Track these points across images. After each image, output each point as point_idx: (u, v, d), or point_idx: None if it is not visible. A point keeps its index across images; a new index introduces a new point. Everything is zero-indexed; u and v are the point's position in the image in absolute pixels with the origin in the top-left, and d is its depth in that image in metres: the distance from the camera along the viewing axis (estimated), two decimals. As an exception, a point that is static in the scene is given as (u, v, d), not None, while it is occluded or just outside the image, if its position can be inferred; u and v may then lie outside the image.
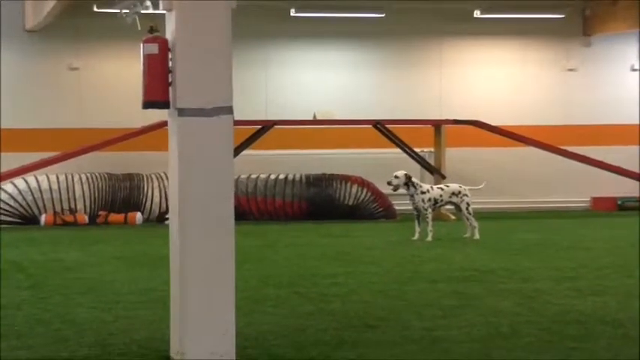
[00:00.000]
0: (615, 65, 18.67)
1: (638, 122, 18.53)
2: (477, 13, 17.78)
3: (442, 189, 13.97)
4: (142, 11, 11.59)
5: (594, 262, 11.08)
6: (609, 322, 7.81)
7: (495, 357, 6.72)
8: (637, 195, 18.25)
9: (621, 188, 18.08)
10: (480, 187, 14.43)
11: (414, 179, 13.71)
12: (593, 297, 8.94)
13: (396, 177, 13.58)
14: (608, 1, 17.56)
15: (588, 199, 18.56)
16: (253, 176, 16.63)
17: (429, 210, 13.55)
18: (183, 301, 6.35)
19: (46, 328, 7.61)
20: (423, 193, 13.59)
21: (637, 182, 17.61)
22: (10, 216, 15.91)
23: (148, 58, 6.37)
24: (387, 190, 15.70)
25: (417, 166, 17.05)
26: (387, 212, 16.71)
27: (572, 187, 18.27)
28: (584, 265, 10.95)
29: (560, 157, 16.95)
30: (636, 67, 18.69)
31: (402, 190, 13.70)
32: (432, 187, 14.01)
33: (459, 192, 13.86)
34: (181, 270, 6.37)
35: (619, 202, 18.45)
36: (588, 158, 16.90)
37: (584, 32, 18.52)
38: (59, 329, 7.59)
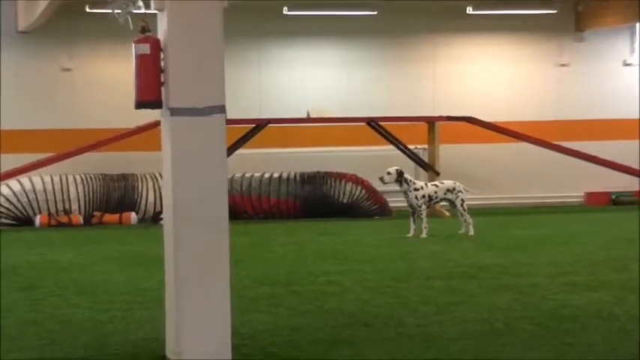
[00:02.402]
0: (608, 60, 18.70)
1: (631, 117, 18.55)
2: (469, 10, 17.79)
3: (437, 186, 13.99)
4: (134, 11, 11.57)
5: (589, 257, 11.10)
6: (604, 316, 7.83)
7: (491, 353, 6.73)
8: (631, 189, 18.29)
9: (615, 183, 18.10)
10: (475, 192, 14.45)
11: (407, 176, 13.71)
12: (588, 292, 8.96)
13: (388, 173, 13.60)
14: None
15: (582, 194, 18.58)
16: (247, 175, 16.63)
17: (423, 207, 13.57)
18: (178, 301, 6.35)
19: (41, 330, 7.60)
20: (416, 189, 13.60)
21: (631, 177, 17.64)
22: (4, 217, 15.89)
23: (140, 58, 6.37)
24: (381, 187, 15.74)
25: (411, 163, 17.05)
26: (381, 210, 16.72)
27: (566, 182, 18.29)
28: (578, 260, 10.97)
29: (553, 153, 16.97)
30: (628, 62, 18.71)
31: (396, 187, 13.73)
32: (426, 184, 14.01)
33: (454, 188, 13.87)
34: (176, 270, 6.37)
35: (613, 197, 18.48)
36: (582, 153, 16.92)
37: (576, 28, 18.54)
38: (54, 330, 7.58)
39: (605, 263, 10.67)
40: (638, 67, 18.66)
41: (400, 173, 13.60)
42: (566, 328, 7.44)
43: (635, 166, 17.62)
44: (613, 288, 9.12)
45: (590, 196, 18.50)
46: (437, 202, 14.25)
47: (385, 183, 13.73)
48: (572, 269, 10.28)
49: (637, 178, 17.59)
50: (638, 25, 18.34)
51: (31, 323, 7.82)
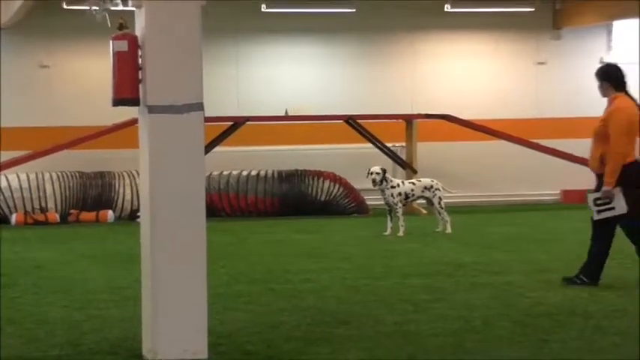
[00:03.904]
0: (585, 58, 18.74)
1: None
2: (447, 8, 17.81)
3: (414, 183, 14.02)
4: (112, 8, 11.53)
5: (565, 255, 11.14)
6: (580, 313, 7.88)
7: (468, 350, 6.76)
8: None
9: (591, 181, 18.12)
10: (453, 191, 14.48)
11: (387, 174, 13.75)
12: (564, 289, 9.00)
13: (377, 173, 13.56)
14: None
15: (558, 192, 18.66)
16: (225, 173, 16.59)
17: (399, 205, 13.58)
18: (154, 299, 6.34)
19: (18, 328, 7.57)
20: (393, 187, 13.62)
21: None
22: (-20, 215, 15.80)
23: (118, 55, 6.35)
24: (359, 185, 15.77)
25: (389, 161, 17.07)
26: (359, 208, 16.73)
27: (543, 180, 18.36)
28: (555, 257, 11.02)
29: (530, 151, 17.03)
30: (605, 59, 18.79)
31: (371, 185, 13.72)
32: (402, 182, 14.04)
33: (431, 186, 13.91)
34: (153, 268, 6.35)
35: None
36: (558, 151, 17.00)
37: (554, 25, 18.61)
38: (30, 329, 7.55)
39: (580, 261, 10.61)
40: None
41: (384, 171, 13.64)
42: (542, 325, 7.48)
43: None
44: (588, 285, 9.16)
45: (566, 193, 18.58)
46: (414, 200, 14.28)
47: (376, 184, 13.60)
48: (549, 267, 10.33)
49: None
50: (614, 23, 18.43)
51: (7, 321, 7.77)
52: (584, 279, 9.10)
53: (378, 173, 13.57)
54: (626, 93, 9.26)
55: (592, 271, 9.13)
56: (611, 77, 9.23)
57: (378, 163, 15.15)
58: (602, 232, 9.10)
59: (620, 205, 8.91)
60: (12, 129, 16.67)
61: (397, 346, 6.89)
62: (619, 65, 9.45)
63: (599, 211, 9.03)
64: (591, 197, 9.09)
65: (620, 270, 9.98)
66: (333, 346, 6.88)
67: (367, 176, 13.59)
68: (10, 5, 15.41)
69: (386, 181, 13.61)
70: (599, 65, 9.92)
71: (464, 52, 18.46)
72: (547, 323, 7.53)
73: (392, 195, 13.56)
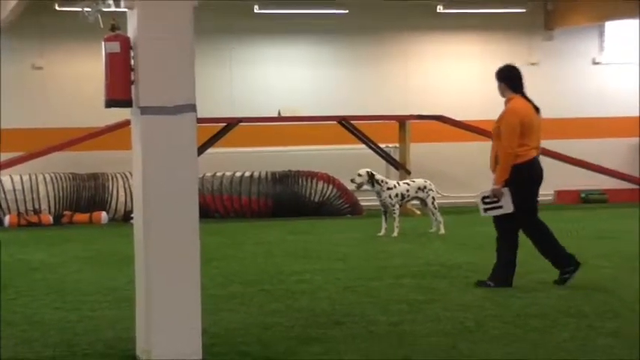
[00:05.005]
0: (577, 59, 18.81)
1: (600, 116, 18.69)
2: (439, 9, 17.84)
3: (408, 184, 14.03)
4: (104, 9, 11.52)
5: (558, 255, 11.15)
6: (573, 314, 7.89)
7: (462, 351, 6.76)
8: (600, 188, 18.42)
9: (584, 181, 18.23)
10: (444, 194, 14.49)
11: (378, 176, 13.74)
12: (557, 290, 9.02)
13: (359, 175, 13.64)
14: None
15: (552, 193, 18.68)
16: (218, 174, 16.59)
17: (397, 206, 13.60)
18: (148, 300, 6.34)
19: (12, 330, 7.56)
20: (389, 189, 13.64)
21: (600, 175, 17.78)
22: (-27, 217, 15.78)
23: (110, 57, 6.34)
24: (353, 186, 15.77)
25: (383, 162, 17.09)
26: (353, 208, 16.74)
27: (537, 180, 18.35)
28: (548, 258, 11.02)
29: (524, 151, 17.03)
30: (597, 60, 18.84)
31: (366, 187, 13.77)
32: (398, 183, 14.05)
33: (425, 187, 13.92)
34: (146, 269, 6.35)
35: (582, 195, 18.60)
36: (551, 151, 17.01)
37: (546, 26, 18.64)
38: (25, 330, 7.55)
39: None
40: (606, 65, 18.79)
41: (371, 175, 13.63)
42: (535, 326, 7.49)
43: (603, 164, 17.77)
44: (582, 286, 9.18)
45: (559, 194, 18.61)
46: (409, 201, 14.30)
47: (357, 185, 13.72)
48: (542, 267, 10.31)
49: (606, 177, 17.75)
50: (606, 24, 18.47)
51: (2, 323, 7.76)
52: (492, 284, 9.15)
53: (360, 175, 13.62)
54: (523, 94, 9.40)
55: (504, 274, 9.18)
56: (507, 78, 9.51)
57: (372, 164, 15.17)
58: (506, 235, 9.21)
59: (507, 204, 9.06)
60: (5, 130, 16.64)
61: (391, 347, 6.90)
62: (516, 66, 9.62)
63: (486, 209, 9.22)
64: (480, 195, 9.31)
65: (613, 271, 10.01)
66: (328, 347, 6.89)
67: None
68: (3, 6, 15.38)
69: (379, 183, 13.61)
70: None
71: (456, 53, 18.48)
72: (540, 324, 7.54)
73: (390, 196, 13.58)
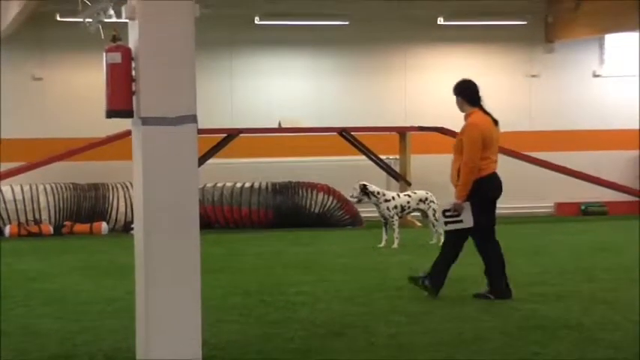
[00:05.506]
0: (577, 71, 18.84)
1: (600, 128, 18.71)
2: (440, 20, 17.88)
3: (409, 196, 14.03)
4: (105, 20, 11.54)
5: (558, 267, 11.17)
6: (573, 326, 7.88)
7: (461, 362, 6.77)
8: (600, 200, 18.42)
9: (584, 193, 18.23)
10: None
11: (373, 188, 13.74)
12: (556, 302, 9.01)
13: (354, 189, 13.76)
14: (570, 7, 17.72)
15: (552, 205, 18.69)
16: (219, 185, 16.60)
17: (396, 217, 13.61)
18: (148, 311, 6.34)
19: (11, 341, 7.55)
20: (387, 200, 13.66)
21: (600, 187, 17.77)
22: (-27, 227, 15.78)
23: (111, 67, 6.36)
24: (354, 200, 15.77)
25: (383, 174, 17.09)
26: (353, 220, 16.74)
27: (536, 192, 18.38)
28: (547, 270, 11.04)
29: (523, 163, 17.06)
30: (598, 73, 18.87)
31: (367, 200, 13.83)
32: (398, 195, 14.06)
33: (426, 199, 13.94)
34: (147, 279, 6.35)
35: (582, 208, 18.60)
36: (552, 164, 17.03)
37: (546, 39, 18.68)
38: (24, 341, 7.54)
39: (573, 273, 10.74)
40: (607, 78, 18.82)
41: (362, 188, 13.68)
42: (535, 338, 7.48)
43: (603, 176, 17.77)
44: (582, 298, 9.18)
45: (559, 206, 18.61)
46: (410, 213, 14.31)
47: (355, 199, 13.82)
48: (542, 279, 10.34)
49: (606, 189, 17.74)
50: (607, 36, 18.51)
51: (1, 334, 7.75)
52: (427, 284, 9.19)
53: (355, 189, 13.71)
54: (481, 108, 9.42)
55: (438, 279, 9.24)
56: (465, 92, 9.48)
57: (372, 175, 15.18)
58: (453, 241, 9.27)
59: (468, 219, 9.11)
60: (5, 141, 16.66)
61: (391, 358, 6.90)
62: (474, 81, 9.61)
63: (446, 223, 9.25)
64: (442, 208, 9.37)
65: (612, 283, 10.01)
66: (327, 358, 6.89)
67: None
68: (3, 17, 15.42)
69: (374, 195, 13.65)
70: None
71: (457, 65, 18.47)
72: (540, 336, 7.53)
73: (387, 208, 13.61)
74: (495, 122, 9.45)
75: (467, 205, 9.12)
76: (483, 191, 9.17)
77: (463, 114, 9.58)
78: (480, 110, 9.44)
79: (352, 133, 16.89)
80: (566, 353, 6.99)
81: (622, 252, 12.52)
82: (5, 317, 8.47)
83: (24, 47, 16.93)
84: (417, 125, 17.19)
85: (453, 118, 17.67)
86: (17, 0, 14.00)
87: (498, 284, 9.21)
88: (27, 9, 14.00)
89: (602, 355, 6.92)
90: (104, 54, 6.39)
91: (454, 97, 9.65)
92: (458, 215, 9.15)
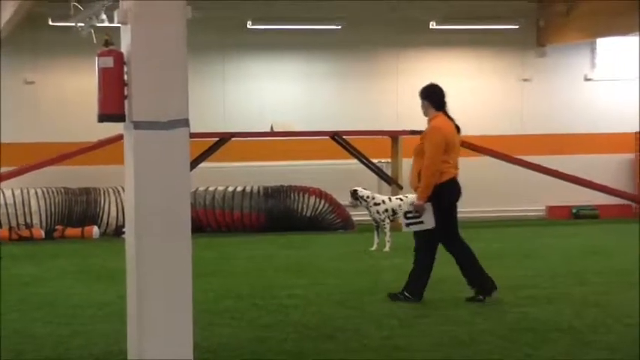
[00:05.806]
0: (569, 75, 18.87)
1: (591, 132, 18.76)
2: (432, 25, 17.91)
3: (401, 199, 14.05)
4: (98, 24, 11.55)
5: (549, 271, 11.19)
6: (564, 329, 7.91)
7: (453, 365, 6.78)
8: (591, 203, 18.46)
9: (576, 197, 18.26)
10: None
11: (363, 193, 13.78)
12: (548, 305, 9.04)
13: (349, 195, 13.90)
14: (562, 11, 17.77)
15: (543, 208, 18.72)
16: (211, 189, 16.59)
17: (387, 221, 13.63)
18: (140, 315, 6.33)
19: (3, 345, 7.54)
20: (377, 204, 13.70)
21: (591, 191, 17.80)
22: (-35, 231, 15.74)
23: (103, 71, 6.35)
24: (345, 201, 15.78)
25: (375, 177, 17.10)
26: (345, 223, 16.74)
27: (528, 196, 18.41)
28: (539, 273, 11.06)
29: (515, 167, 17.09)
30: (589, 77, 18.92)
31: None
32: (389, 198, 14.08)
33: (418, 202, 13.95)
34: (138, 283, 6.35)
35: (574, 211, 18.63)
36: (543, 167, 17.05)
37: (538, 43, 18.71)
38: (16, 345, 7.53)
39: (565, 277, 10.76)
40: (598, 82, 18.87)
41: (352, 192, 13.75)
42: (527, 340, 7.50)
43: (595, 179, 17.80)
44: (573, 301, 9.21)
45: (551, 209, 18.65)
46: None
47: (351, 204, 13.92)
48: (533, 282, 10.36)
49: (597, 192, 17.77)
50: (598, 40, 18.56)
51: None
52: (408, 295, 9.21)
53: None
54: (445, 112, 9.53)
55: (416, 287, 9.26)
56: (432, 97, 9.60)
57: (364, 179, 15.19)
58: (425, 246, 9.26)
59: (429, 220, 9.16)
60: (-2, 145, 16.64)
61: (383, 361, 6.91)
62: (439, 85, 9.75)
63: (407, 224, 9.32)
64: (403, 210, 9.33)
65: (604, 287, 10.04)
66: (319, 361, 6.90)
67: None
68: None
69: (364, 199, 13.70)
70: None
71: (449, 69, 18.52)
72: (532, 338, 7.56)
73: (377, 212, 13.64)
74: (457, 128, 9.48)
75: (428, 207, 9.18)
76: (443, 196, 9.22)
77: (426, 118, 9.61)
78: (443, 115, 9.49)
79: (344, 136, 16.90)
80: (557, 356, 7.01)
81: (613, 255, 12.56)
82: (-2, 321, 8.47)
83: (16, 51, 16.90)
84: (409, 129, 17.21)
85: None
86: (11, 0, 13.98)
87: (478, 281, 9.22)
88: (21, 10, 13.98)
89: (595, 357, 6.94)
90: (96, 58, 6.39)
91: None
92: (419, 216, 9.18)
